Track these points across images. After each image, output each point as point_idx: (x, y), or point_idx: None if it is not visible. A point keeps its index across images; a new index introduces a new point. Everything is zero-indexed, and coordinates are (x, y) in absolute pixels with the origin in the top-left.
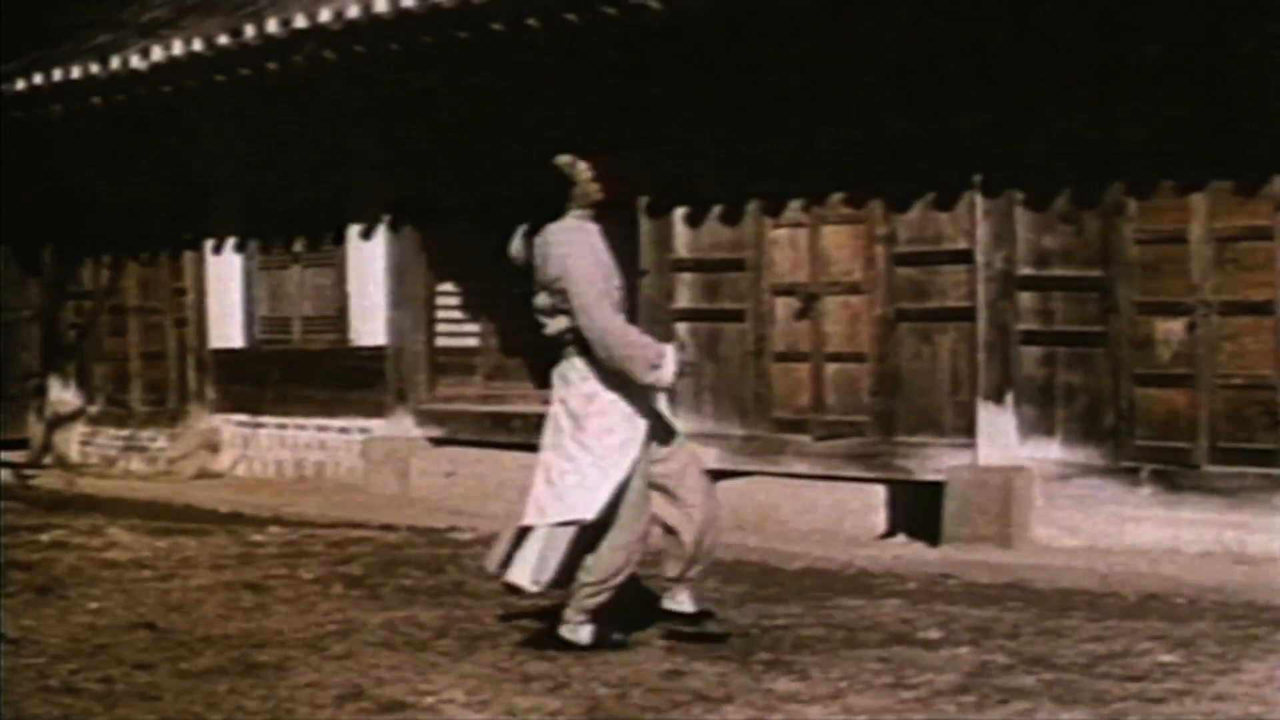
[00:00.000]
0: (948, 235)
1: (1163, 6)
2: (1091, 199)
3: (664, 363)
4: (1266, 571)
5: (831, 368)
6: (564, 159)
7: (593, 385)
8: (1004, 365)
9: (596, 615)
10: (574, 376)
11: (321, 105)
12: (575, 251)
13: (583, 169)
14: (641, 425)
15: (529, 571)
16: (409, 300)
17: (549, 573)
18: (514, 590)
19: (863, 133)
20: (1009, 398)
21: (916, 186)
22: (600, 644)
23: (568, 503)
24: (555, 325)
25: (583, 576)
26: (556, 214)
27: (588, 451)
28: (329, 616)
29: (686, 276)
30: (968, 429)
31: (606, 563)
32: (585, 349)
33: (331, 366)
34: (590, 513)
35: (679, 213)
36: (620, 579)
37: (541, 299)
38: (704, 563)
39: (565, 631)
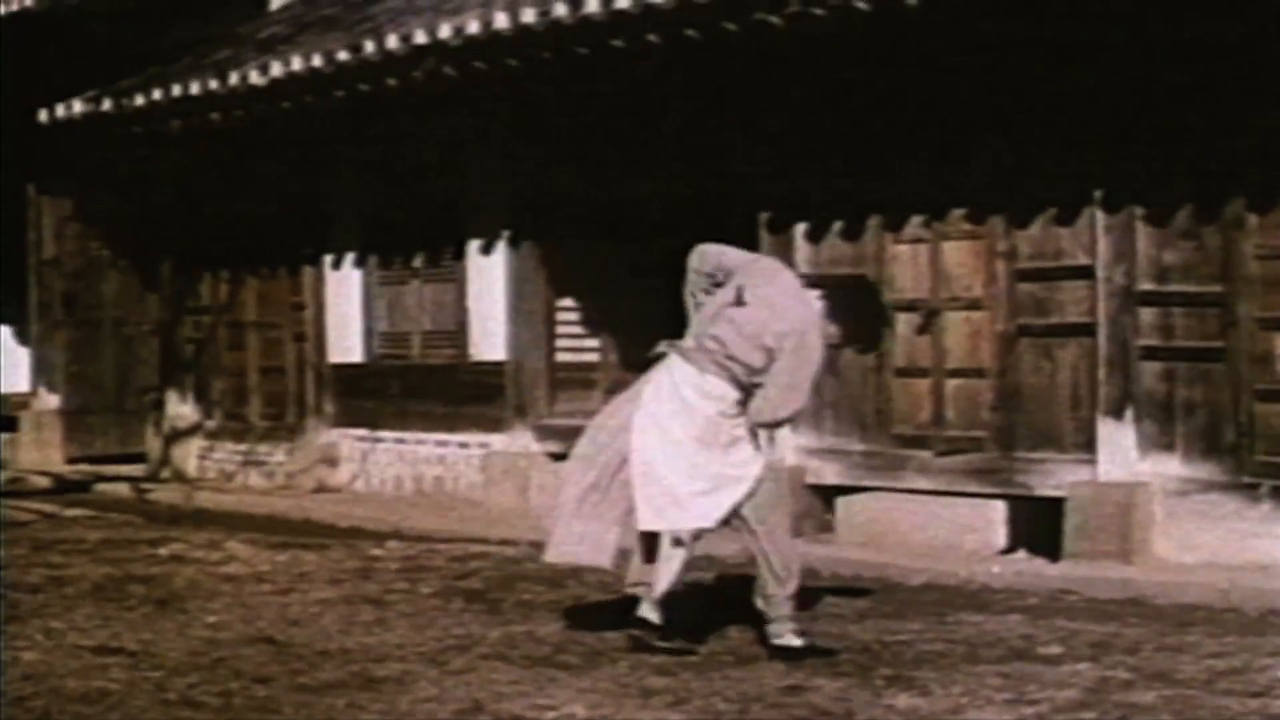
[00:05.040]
0: (1068, 251)
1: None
2: (1212, 214)
3: None
4: None
5: (952, 383)
6: None
7: (732, 403)
8: (1124, 381)
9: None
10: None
11: (441, 120)
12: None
13: None
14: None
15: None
16: (529, 315)
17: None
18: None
19: (983, 148)
20: (1129, 413)
21: (1037, 202)
22: (814, 648)
23: (694, 511)
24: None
25: (771, 587)
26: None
27: (716, 461)
28: (448, 631)
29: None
30: (1088, 445)
31: (790, 567)
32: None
33: (451, 381)
34: (710, 520)
35: (800, 228)
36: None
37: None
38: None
39: (784, 641)
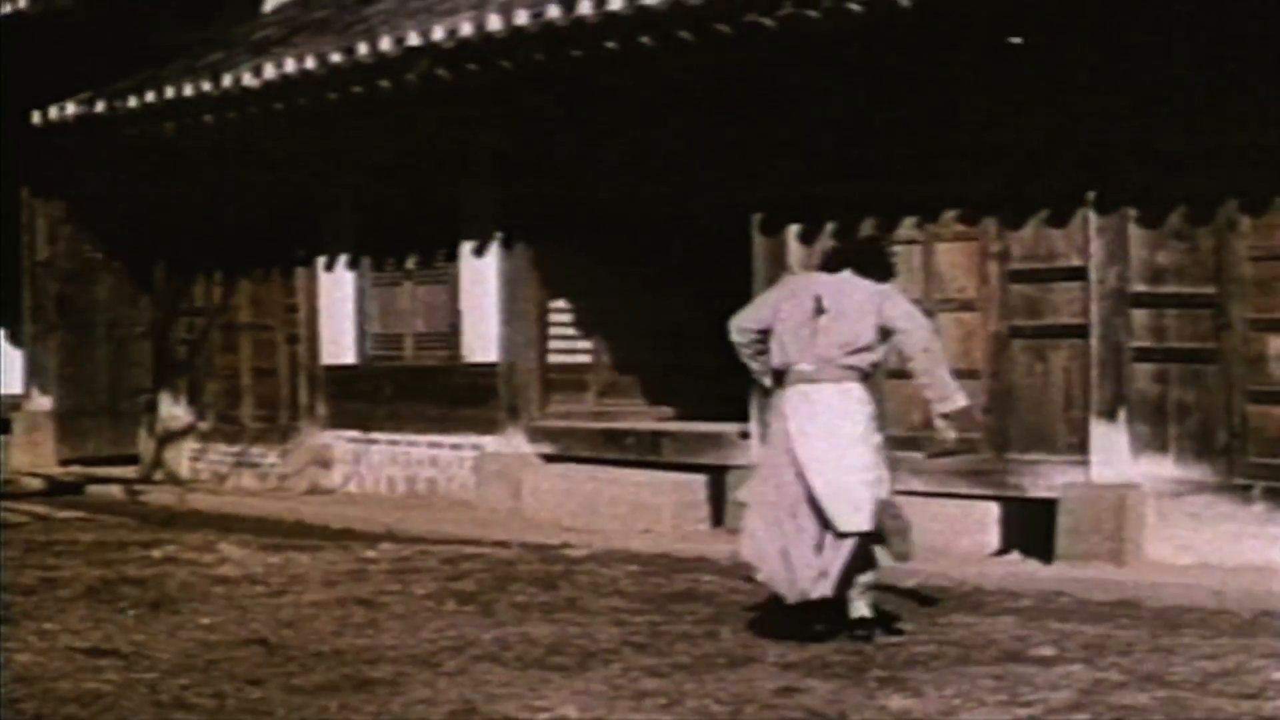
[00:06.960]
0: (1061, 252)
1: (1272, 21)
2: (1205, 216)
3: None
4: None
5: None
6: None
7: (868, 400)
8: (1117, 382)
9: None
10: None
11: (434, 123)
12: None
13: None
14: None
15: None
16: (521, 317)
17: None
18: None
19: (976, 150)
20: (1122, 415)
21: (1030, 203)
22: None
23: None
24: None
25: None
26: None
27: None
28: (441, 633)
29: None
30: (1081, 446)
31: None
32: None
33: (444, 383)
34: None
35: (792, 230)
36: None
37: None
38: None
39: (859, 613)
